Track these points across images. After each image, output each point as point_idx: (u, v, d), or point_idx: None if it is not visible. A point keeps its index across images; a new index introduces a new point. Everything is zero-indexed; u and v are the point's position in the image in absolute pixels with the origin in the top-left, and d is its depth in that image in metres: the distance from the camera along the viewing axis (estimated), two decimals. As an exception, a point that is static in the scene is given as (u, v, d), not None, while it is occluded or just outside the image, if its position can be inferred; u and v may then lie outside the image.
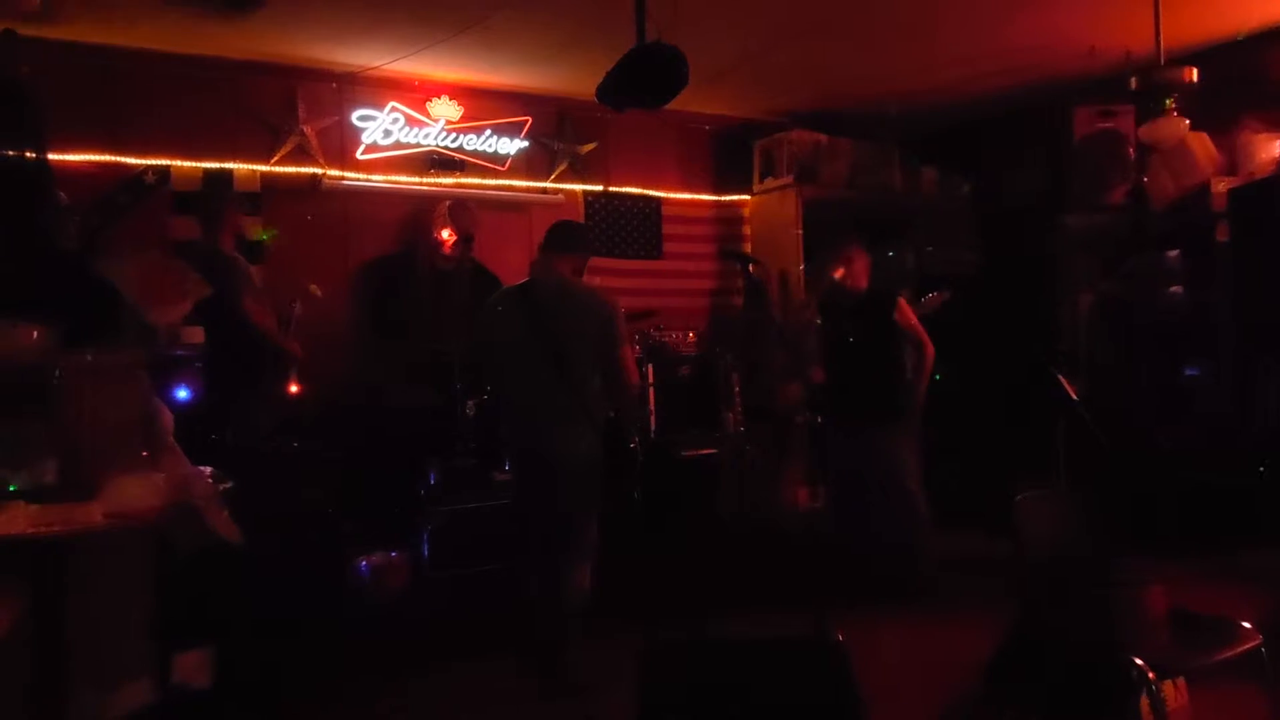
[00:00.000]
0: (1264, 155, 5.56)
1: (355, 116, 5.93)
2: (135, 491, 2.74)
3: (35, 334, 2.90)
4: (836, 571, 4.72)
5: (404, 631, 4.48)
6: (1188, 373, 5.70)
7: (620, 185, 6.90)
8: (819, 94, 6.65)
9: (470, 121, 6.26)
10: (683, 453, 5.93)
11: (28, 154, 3.30)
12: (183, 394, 4.58)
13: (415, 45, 5.39)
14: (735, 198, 7.31)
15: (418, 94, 6.11)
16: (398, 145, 6.03)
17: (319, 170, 5.83)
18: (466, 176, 6.26)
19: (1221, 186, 5.60)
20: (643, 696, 1.99)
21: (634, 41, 4.01)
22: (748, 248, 7.13)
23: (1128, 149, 6.08)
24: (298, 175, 5.79)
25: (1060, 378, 4.78)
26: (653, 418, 6.10)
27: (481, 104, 6.32)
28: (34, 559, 2.58)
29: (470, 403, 5.29)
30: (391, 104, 5.98)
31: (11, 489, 2.75)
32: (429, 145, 6.13)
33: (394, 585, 4.86)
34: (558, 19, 5.11)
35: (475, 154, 6.28)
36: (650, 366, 6.14)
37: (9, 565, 2.54)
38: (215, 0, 4.65)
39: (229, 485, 3.61)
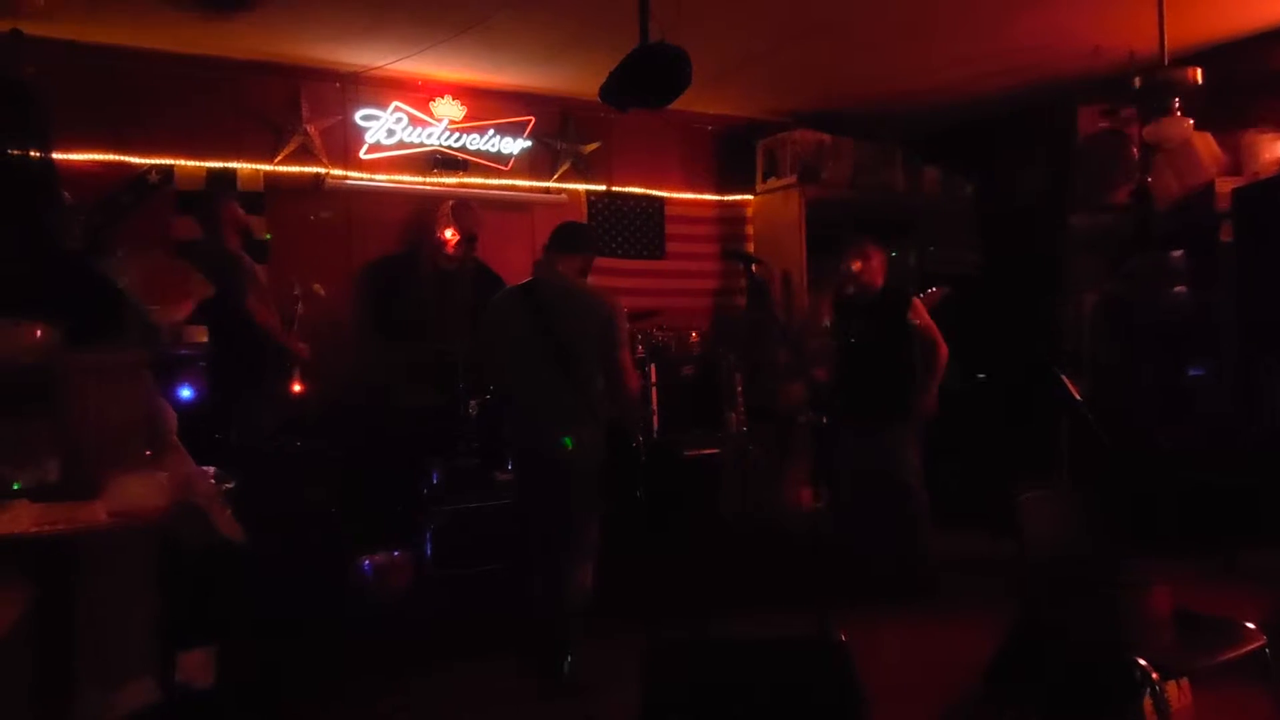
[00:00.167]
0: (1268, 155, 5.56)
1: (358, 116, 5.93)
2: (139, 490, 2.74)
3: (39, 333, 2.90)
4: (839, 572, 4.72)
5: (406, 631, 4.48)
6: (1191, 373, 5.68)
7: (623, 185, 6.90)
8: (822, 94, 6.63)
9: (473, 121, 6.26)
10: (685, 452, 5.93)
11: (33, 153, 3.30)
12: (186, 393, 4.57)
13: (418, 45, 5.39)
14: (738, 198, 7.30)
15: (421, 94, 6.11)
16: (401, 145, 6.03)
17: (322, 170, 5.83)
18: (470, 176, 6.26)
19: (1226, 187, 5.59)
20: (645, 696, 1.99)
21: (637, 41, 4.01)
22: (750, 248, 7.12)
23: (1131, 149, 6.08)
24: (301, 175, 5.79)
25: (1064, 377, 4.77)
26: (655, 417, 6.09)
27: (484, 104, 6.32)
28: (38, 558, 2.59)
29: (473, 402, 5.28)
30: (395, 104, 5.98)
31: (15, 487, 2.75)
32: (432, 145, 6.13)
33: (396, 585, 4.85)
34: (560, 19, 5.11)
35: (478, 154, 6.28)
36: (653, 366, 6.14)
37: (13, 564, 2.54)
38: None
39: (232, 484, 3.62)
